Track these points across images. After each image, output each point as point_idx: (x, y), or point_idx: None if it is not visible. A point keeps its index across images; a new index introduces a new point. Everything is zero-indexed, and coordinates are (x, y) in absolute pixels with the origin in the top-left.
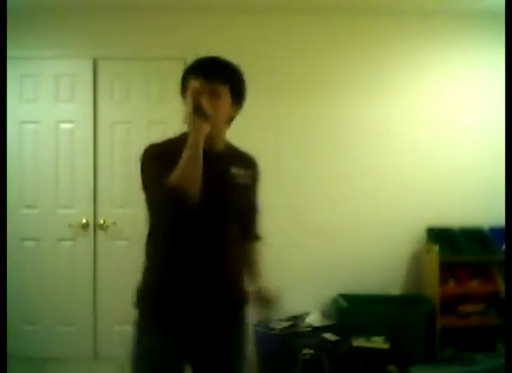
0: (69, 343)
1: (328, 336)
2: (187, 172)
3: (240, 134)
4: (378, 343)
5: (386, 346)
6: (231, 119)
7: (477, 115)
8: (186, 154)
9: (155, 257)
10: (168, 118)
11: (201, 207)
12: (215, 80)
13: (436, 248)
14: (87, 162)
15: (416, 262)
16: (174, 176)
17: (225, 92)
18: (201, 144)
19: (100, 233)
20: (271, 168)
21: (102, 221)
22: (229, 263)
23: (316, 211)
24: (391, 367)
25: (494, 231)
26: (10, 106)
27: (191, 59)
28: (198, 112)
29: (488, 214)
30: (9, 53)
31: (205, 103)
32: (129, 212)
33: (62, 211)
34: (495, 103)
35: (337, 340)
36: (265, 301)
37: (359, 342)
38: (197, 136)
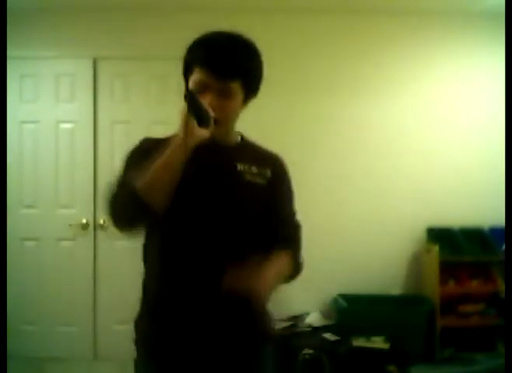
0: (69, 343)
1: (328, 336)
2: (158, 180)
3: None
4: (378, 343)
5: (386, 346)
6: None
7: (477, 115)
8: (164, 159)
9: (151, 285)
10: (168, 118)
11: (200, 213)
12: (228, 77)
13: (436, 248)
14: (87, 162)
15: (416, 262)
16: (142, 181)
17: (237, 90)
18: (188, 152)
19: (100, 233)
20: None
21: (102, 221)
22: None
23: (316, 211)
24: (391, 367)
25: (494, 231)
26: (10, 106)
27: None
28: (197, 116)
29: (488, 214)
30: (9, 53)
31: (207, 105)
32: None
33: (62, 211)
34: (495, 103)
35: (337, 340)
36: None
37: (359, 342)
38: (186, 142)
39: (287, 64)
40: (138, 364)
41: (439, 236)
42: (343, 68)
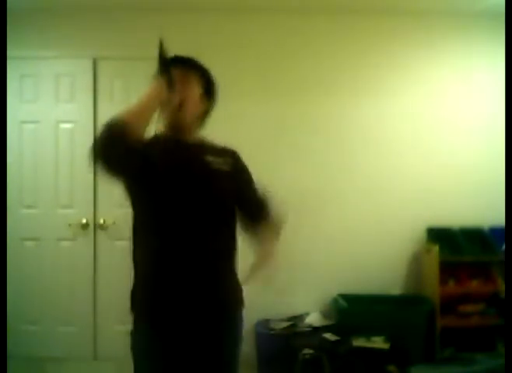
0: (69, 343)
1: (328, 336)
2: (137, 108)
3: (239, 133)
4: (378, 343)
5: (386, 346)
6: (204, 115)
7: (477, 115)
8: (146, 95)
9: (140, 257)
10: None
11: (181, 196)
12: (188, 67)
13: (436, 248)
14: (87, 162)
15: (416, 262)
16: (123, 112)
17: (195, 81)
18: (160, 97)
19: (100, 233)
20: (269, 168)
21: (102, 221)
22: (220, 257)
23: (315, 211)
24: (391, 367)
25: (494, 231)
26: (10, 106)
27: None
28: (167, 80)
29: (488, 214)
30: (9, 53)
31: (174, 75)
32: (129, 212)
33: (62, 211)
34: (495, 103)
35: (337, 340)
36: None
37: (359, 342)
38: (158, 88)
39: (287, 64)
40: (135, 328)
41: (439, 236)
42: (343, 68)
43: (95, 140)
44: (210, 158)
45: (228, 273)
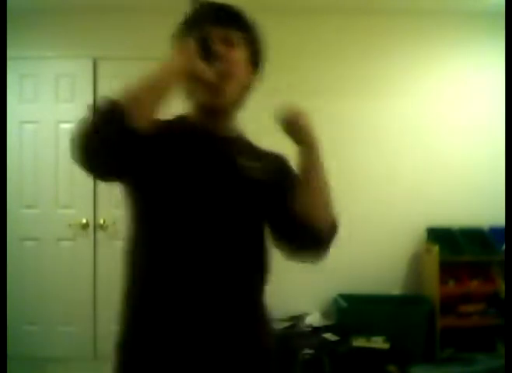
0: (69, 343)
1: (328, 336)
2: (146, 85)
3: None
4: (378, 343)
5: (386, 346)
6: (247, 92)
7: (477, 115)
8: (158, 64)
9: (134, 291)
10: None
11: (196, 214)
12: (230, 25)
13: (436, 248)
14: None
15: (416, 262)
16: (124, 90)
17: (240, 43)
18: (180, 76)
19: (100, 233)
20: None
21: (102, 221)
22: (243, 296)
23: None
24: (391, 367)
25: (494, 231)
26: (10, 106)
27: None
28: (202, 46)
29: (488, 214)
30: (9, 53)
31: (215, 44)
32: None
33: (62, 211)
34: (495, 103)
35: (337, 340)
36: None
37: (359, 342)
38: (183, 55)
39: (286, 64)
40: None
41: (439, 236)
42: (342, 68)
43: (77, 130)
44: (243, 161)
45: (256, 314)
